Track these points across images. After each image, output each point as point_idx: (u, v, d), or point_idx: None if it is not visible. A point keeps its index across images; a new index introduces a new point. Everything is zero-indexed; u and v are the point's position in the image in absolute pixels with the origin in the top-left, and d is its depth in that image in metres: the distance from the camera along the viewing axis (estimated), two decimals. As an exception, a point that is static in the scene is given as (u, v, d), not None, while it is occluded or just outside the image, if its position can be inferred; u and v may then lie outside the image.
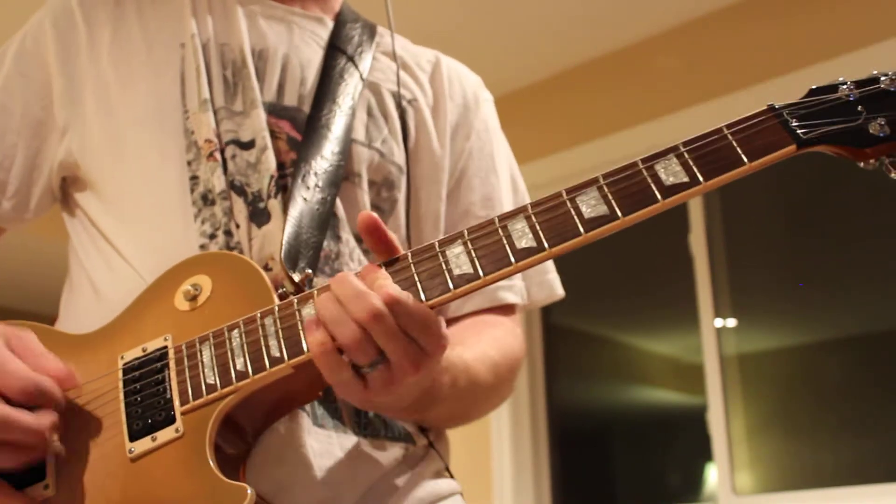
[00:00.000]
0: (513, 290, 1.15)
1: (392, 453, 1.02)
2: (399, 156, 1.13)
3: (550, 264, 1.22)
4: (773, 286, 3.53)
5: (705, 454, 3.36)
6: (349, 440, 0.99)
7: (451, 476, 1.09)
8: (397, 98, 1.16)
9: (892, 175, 0.81)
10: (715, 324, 3.40)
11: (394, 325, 0.78)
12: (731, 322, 3.47)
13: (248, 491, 0.80)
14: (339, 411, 0.99)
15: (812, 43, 3.18)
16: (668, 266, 3.73)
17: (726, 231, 3.50)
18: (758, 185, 3.59)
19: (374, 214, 0.84)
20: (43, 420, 0.83)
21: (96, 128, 1.08)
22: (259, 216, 1.01)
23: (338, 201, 1.05)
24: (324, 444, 0.96)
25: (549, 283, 1.21)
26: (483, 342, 1.06)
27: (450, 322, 1.12)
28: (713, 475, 3.39)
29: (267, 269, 0.97)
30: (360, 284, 0.80)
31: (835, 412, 3.35)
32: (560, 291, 1.21)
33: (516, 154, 1.27)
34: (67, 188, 1.13)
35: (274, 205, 1.01)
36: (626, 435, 4.16)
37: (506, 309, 1.15)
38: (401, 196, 1.11)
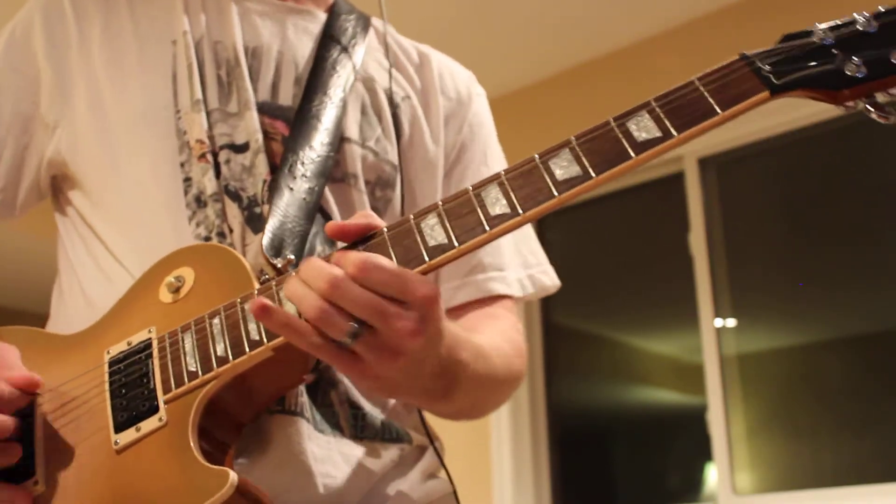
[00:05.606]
0: (504, 281, 1.13)
1: (389, 455, 1.01)
2: (392, 154, 1.11)
3: (544, 256, 1.20)
4: (773, 286, 3.53)
5: (705, 454, 3.36)
6: (347, 445, 0.98)
7: (448, 474, 1.09)
8: (390, 95, 1.14)
9: (871, 116, 0.79)
10: (715, 324, 3.40)
11: (358, 290, 0.75)
12: (731, 322, 3.47)
13: (231, 474, 0.79)
14: (336, 416, 0.98)
15: (812, 43, 3.18)
16: (668, 265, 3.73)
17: (726, 231, 3.49)
18: (758, 185, 3.60)
19: (333, 223, 0.83)
20: None
21: (87, 127, 1.06)
22: (255, 221, 0.99)
23: (333, 206, 1.03)
24: (324, 450, 0.95)
25: (544, 275, 1.18)
26: (490, 333, 1.04)
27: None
28: (713, 475, 3.39)
29: (262, 275, 0.94)
30: (323, 262, 0.77)
31: (835, 412, 3.34)
32: (556, 282, 1.19)
33: (515, 154, 1.26)
34: (59, 185, 1.12)
35: (268, 210, 0.98)
36: (626, 435, 4.15)
37: (503, 302, 1.13)
38: (395, 194, 1.10)
